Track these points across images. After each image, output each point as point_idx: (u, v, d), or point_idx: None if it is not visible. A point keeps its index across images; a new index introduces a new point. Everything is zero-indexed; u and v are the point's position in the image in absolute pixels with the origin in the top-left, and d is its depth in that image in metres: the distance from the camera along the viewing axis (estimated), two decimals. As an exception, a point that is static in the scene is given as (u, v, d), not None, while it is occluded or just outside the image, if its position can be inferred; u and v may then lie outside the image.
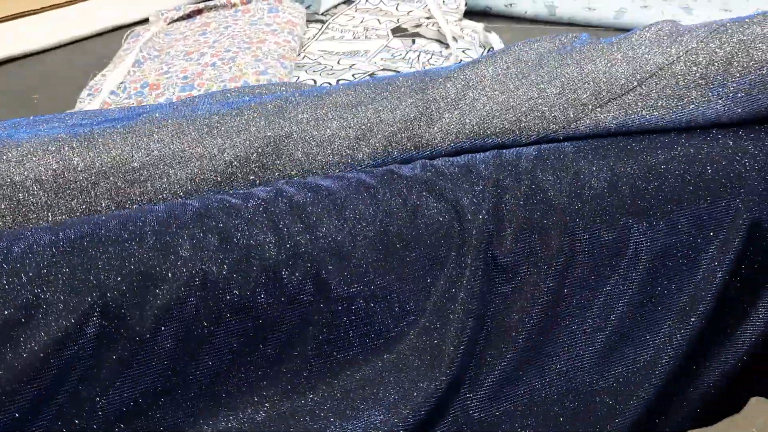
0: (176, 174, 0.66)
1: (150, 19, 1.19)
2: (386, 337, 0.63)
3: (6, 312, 0.54)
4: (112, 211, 0.65)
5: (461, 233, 0.63)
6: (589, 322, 0.68)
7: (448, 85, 0.72)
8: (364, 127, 0.70)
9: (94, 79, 1.01)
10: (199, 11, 1.18)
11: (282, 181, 0.67)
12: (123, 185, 0.65)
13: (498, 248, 0.64)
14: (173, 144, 0.66)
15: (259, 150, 0.67)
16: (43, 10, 1.23)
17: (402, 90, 0.72)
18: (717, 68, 0.69)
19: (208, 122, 0.68)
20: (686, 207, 0.67)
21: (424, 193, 0.64)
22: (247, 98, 0.73)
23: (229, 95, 0.75)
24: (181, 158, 0.66)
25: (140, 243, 0.59)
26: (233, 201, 0.62)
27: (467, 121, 0.71)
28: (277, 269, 0.59)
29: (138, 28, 1.16)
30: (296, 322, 0.60)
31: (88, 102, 0.96)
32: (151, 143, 0.66)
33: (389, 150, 0.70)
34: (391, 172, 0.66)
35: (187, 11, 1.18)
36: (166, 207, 0.62)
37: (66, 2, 1.26)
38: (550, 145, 0.70)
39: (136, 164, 0.66)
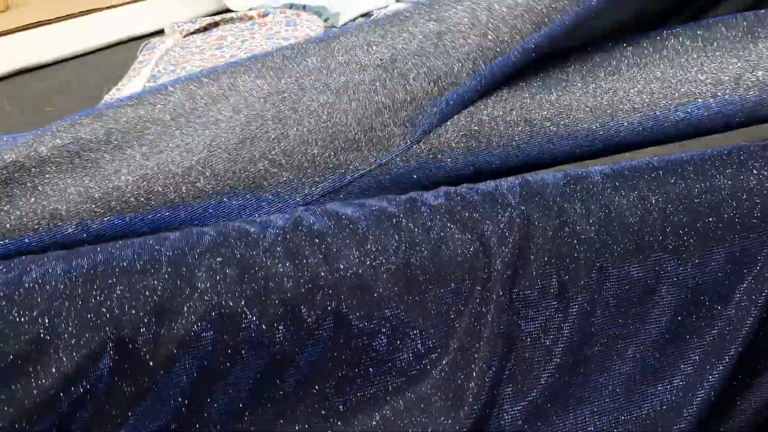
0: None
1: (165, 31, 1.17)
2: (408, 375, 0.61)
3: (16, 346, 0.53)
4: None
5: (486, 267, 0.61)
6: (615, 361, 0.66)
7: None
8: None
9: (109, 94, 0.99)
10: (216, 24, 1.16)
11: (301, 208, 0.65)
12: None
13: (524, 284, 0.62)
14: None
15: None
16: (57, 20, 1.22)
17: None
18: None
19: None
20: (720, 243, 0.65)
21: (448, 224, 0.62)
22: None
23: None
24: None
25: (155, 274, 0.57)
26: (251, 229, 0.60)
27: None
28: (295, 303, 0.57)
29: (153, 40, 1.14)
30: (315, 359, 0.58)
31: (102, 117, 0.94)
32: None
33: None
34: (413, 200, 0.64)
35: (203, 24, 1.16)
36: (181, 235, 0.61)
37: (80, 12, 1.25)
38: (578, 171, 0.68)
39: None
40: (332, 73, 0.68)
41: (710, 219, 0.65)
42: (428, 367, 0.61)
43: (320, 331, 0.58)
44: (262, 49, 1.04)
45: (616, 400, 0.67)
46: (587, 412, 0.65)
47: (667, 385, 0.68)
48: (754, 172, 0.67)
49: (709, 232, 0.64)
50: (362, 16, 1.29)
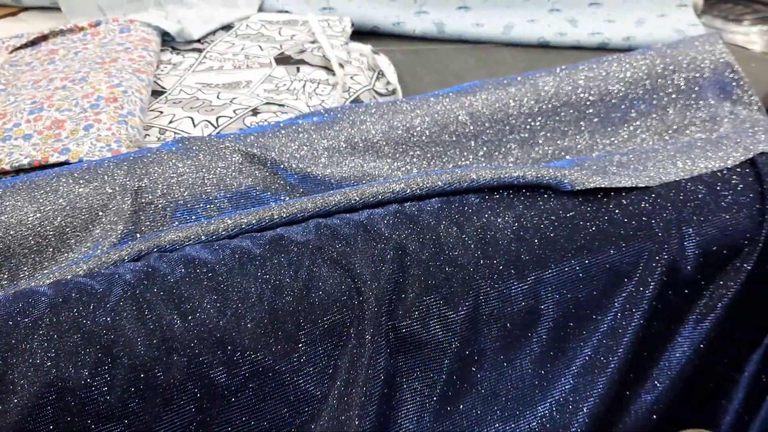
0: None
1: (-12, 48, 1.06)
2: (286, 429, 0.56)
3: None
4: None
5: (360, 305, 0.57)
6: (504, 382, 0.64)
7: None
8: None
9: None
10: (44, 37, 1.06)
11: (155, 254, 0.59)
12: None
13: (400, 318, 0.58)
14: None
15: None
16: None
17: None
18: None
19: None
20: (597, 254, 0.63)
21: (317, 261, 0.57)
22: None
23: None
24: None
25: (-19, 348, 0.49)
26: (95, 287, 0.53)
27: None
28: (148, 368, 0.51)
29: (-22, 58, 1.03)
30: (176, 425, 0.52)
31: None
32: None
33: None
34: (280, 237, 0.59)
35: (30, 38, 1.06)
36: (15, 297, 0.53)
37: None
38: (455, 197, 0.65)
39: None
40: None
41: (585, 232, 0.63)
42: (307, 421, 0.56)
43: (180, 395, 0.52)
44: (97, 56, 0.96)
45: (506, 420, 0.65)
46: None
47: (556, 396, 0.66)
48: (624, 184, 0.66)
49: (585, 245, 0.63)
50: (223, 28, 1.22)
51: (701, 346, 0.71)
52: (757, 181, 0.70)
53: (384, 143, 0.78)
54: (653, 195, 0.66)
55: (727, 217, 0.69)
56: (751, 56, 1.25)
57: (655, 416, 0.72)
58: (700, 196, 0.68)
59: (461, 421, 0.63)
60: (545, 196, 0.65)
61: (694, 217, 0.67)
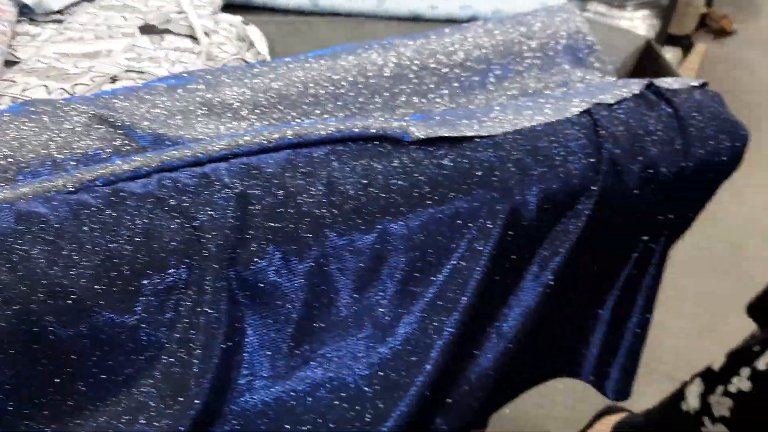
0: None
1: None
2: (123, 378, 0.56)
3: None
4: None
5: (200, 252, 0.57)
6: (354, 327, 0.65)
7: None
8: None
9: None
10: None
11: (-13, 211, 0.57)
12: None
13: (243, 264, 0.59)
14: None
15: None
16: None
17: None
18: None
19: None
20: (440, 203, 0.66)
21: (157, 211, 0.57)
22: None
23: None
24: None
25: None
26: None
27: None
28: (-25, 320, 0.50)
29: None
30: (9, 375, 0.51)
31: None
32: None
33: None
34: (120, 189, 0.59)
35: None
36: None
37: None
38: (302, 149, 0.66)
39: None
40: None
41: (431, 181, 0.66)
42: (146, 366, 0.56)
43: (12, 346, 0.51)
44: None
45: (357, 360, 0.67)
46: (325, 377, 0.64)
47: (399, 339, 0.68)
48: (468, 133, 0.69)
49: (430, 193, 0.65)
50: (85, 0, 1.18)
51: (548, 290, 0.75)
52: (593, 131, 0.75)
53: (241, 105, 0.78)
54: (495, 144, 0.69)
55: (567, 165, 0.72)
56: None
57: (506, 363, 0.75)
58: (540, 144, 0.72)
59: (316, 364, 0.64)
60: (390, 147, 0.66)
61: (536, 166, 0.71)
